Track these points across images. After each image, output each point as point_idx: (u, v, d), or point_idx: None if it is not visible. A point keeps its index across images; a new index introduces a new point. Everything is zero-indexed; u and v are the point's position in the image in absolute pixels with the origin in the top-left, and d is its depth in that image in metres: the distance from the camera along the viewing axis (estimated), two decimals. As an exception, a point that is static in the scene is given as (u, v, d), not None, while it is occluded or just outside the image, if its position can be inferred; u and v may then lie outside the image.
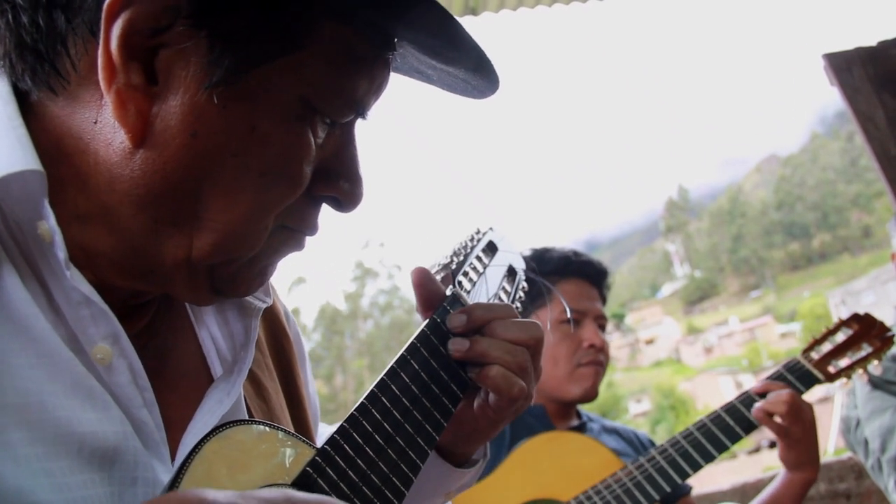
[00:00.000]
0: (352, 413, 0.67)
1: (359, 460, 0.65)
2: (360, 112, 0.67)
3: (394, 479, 0.66)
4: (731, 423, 1.74)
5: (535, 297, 1.99)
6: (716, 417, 1.76)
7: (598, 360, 2.01)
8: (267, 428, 0.63)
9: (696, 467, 1.71)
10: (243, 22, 0.57)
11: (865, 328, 1.82)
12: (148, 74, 0.57)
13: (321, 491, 0.62)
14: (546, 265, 2.04)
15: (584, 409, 2.16)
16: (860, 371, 1.80)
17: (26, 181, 0.56)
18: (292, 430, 0.76)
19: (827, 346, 1.82)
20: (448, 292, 0.81)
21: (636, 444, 2.08)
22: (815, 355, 1.81)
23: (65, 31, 0.58)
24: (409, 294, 0.81)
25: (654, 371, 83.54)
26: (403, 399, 0.71)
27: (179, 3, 0.56)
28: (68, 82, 0.59)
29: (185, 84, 0.57)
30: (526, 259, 1.04)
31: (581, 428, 2.04)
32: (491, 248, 0.96)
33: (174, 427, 0.66)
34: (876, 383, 1.98)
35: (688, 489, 1.97)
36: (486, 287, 0.89)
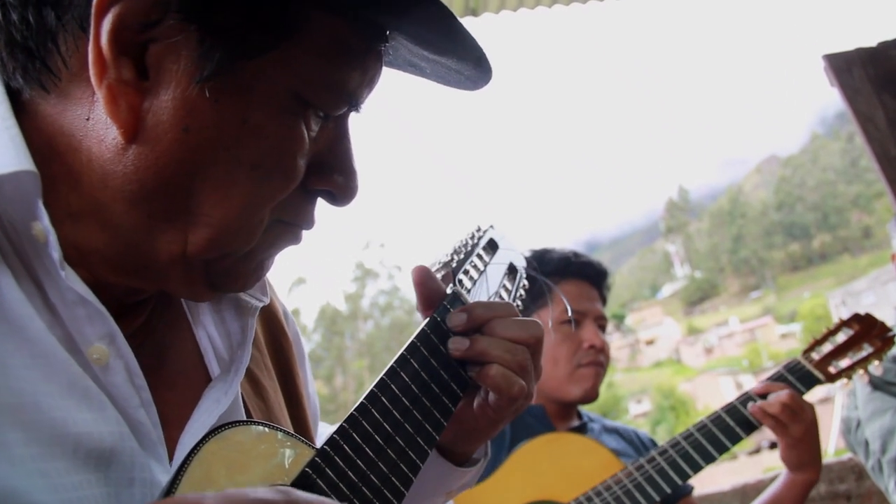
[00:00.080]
0: (351, 413, 0.67)
1: (358, 460, 0.65)
2: (354, 105, 0.66)
3: (393, 478, 0.66)
4: (732, 423, 1.74)
5: (536, 298, 1.99)
6: (716, 418, 1.76)
7: (599, 360, 2.01)
8: (266, 428, 0.63)
9: (697, 468, 1.70)
10: (234, 15, 0.57)
11: (866, 328, 1.81)
12: (139, 69, 0.57)
13: (320, 492, 0.61)
14: (546, 266, 2.04)
15: (584, 409, 2.16)
16: (861, 371, 1.80)
17: (20, 182, 0.56)
18: (291, 430, 0.75)
19: (827, 347, 1.82)
20: (448, 291, 0.81)
21: (637, 444, 2.08)
22: (815, 356, 1.81)
23: (55, 27, 0.57)
24: (410, 294, 0.81)
25: (654, 372, 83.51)
26: (403, 398, 0.70)
27: None
28: (60, 79, 0.59)
29: (176, 78, 0.57)
30: (526, 259, 1.03)
31: (582, 428, 2.03)
32: (492, 246, 0.95)
33: (172, 426, 0.66)
34: (876, 384, 1.98)
35: (689, 489, 1.97)
36: (486, 285, 0.88)
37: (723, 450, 1.73)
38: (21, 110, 0.61)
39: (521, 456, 1.83)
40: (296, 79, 0.60)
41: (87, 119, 0.59)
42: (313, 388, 0.93)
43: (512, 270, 0.96)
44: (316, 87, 0.61)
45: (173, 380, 0.71)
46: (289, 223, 0.67)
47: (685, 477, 1.70)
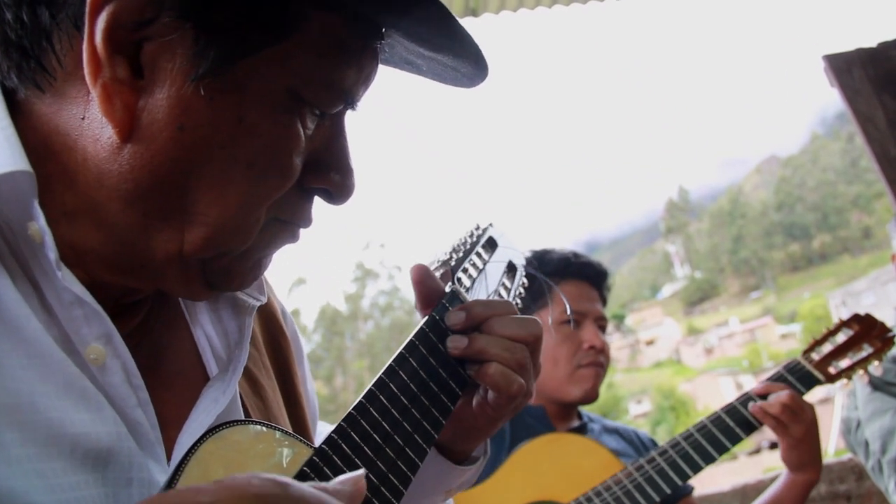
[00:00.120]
0: (350, 412, 0.67)
1: (357, 459, 0.64)
2: (350, 103, 0.66)
3: (392, 477, 0.66)
4: (732, 424, 1.74)
5: (536, 298, 1.99)
6: (716, 419, 1.76)
7: (599, 361, 2.00)
8: (264, 428, 0.63)
9: (697, 469, 1.70)
10: (229, 13, 0.56)
11: (866, 329, 1.82)
12: (134, 68, 0.57)
13: None
14: (546, 266, 2.04)
15: (584, 409, 2.16)
16: (861, 372, 1.80)
17: (16, 182, 0.56)
18: (290, 429, 0.75)
19: (827, 347, 1.82)
20: (447, 289, 0.80)
21: (637, 445, 2.07)
22: (815, 356, 1.81)
23: (49, 26, 0.57)
24: (410, 295, 0.81)
25: (654, 372, 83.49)
26: (402, 397, 0.70)
27: None
28: (55, 79, 0.59)
29: (171, 77, 0.57)
30: (526, 259, 1.03)
31: (582, 429, 2.03)
32: (491, 244, 0.95)
33: (170, 426, 0.66)
34: (876, 385, 1.98)
35: (689, 489, 1.96)
36: (485, 283, 0.88)
37: (723, 450, 1.73)
38: (16, 110, 0.60)
39: (521, 456, 1.83)
40: (291, 76, 0.60)
41: (83, 118, 0.58)
42: (312, 386, 0.93)
43: (511, 268, 0.96)
44: (312, 85, 0.61)
45: (171, 379, 0.70)
46: (286, 222, 0.67)
47: (685, 477, 1.70)
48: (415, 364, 0.73)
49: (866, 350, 1.80)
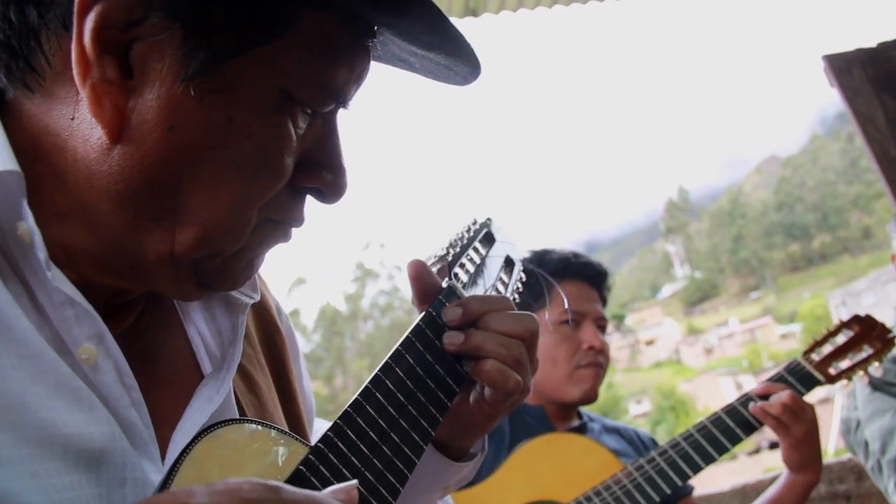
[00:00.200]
0: (346, 410, 0.66)
1: (353, 457, 0.64)
2: (341, 101, 0.66)
3: (388, 475, 0.66)
4: (732, 424, 1.74)
5: (536, 298, 1.99)
6: (716, 419, 1.76)
7: (598, 361, 2.00)
8: (259, 426, 0.62)
9: (697, 469, 1.71)
10: (218, 12, 0.56)
11: (866, 330, 1.82)
12: (123, 68, 0.56)
13: (314, 489, 0.61)
14: (545, 267, 2.03)
15: (584, 409, 2.15)
16: (861, 373, 1.80)
17: (4, 182, 0.56)
18: (285, 426, 0.75)
19: (828, 348, 1.82)
20: (444, 284, 0.80)
21: (637, 444, 2.07)
22: (815, 357, 1.81)
23: (37, 26, 0.57)
24: (409, 294, 0.80)
25: (654, 372, 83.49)
26: (398, 394, 0.70)
27: None
28: (44, 79, 0.59)
29: (160, 77, 0.56)
30: (525, 262, 1.03)
31: (581, 428, 2.03)
32: (488, 239, 0.94)
33: (165, 425, 0.65)
34: (876, 385, 1.98)
35: (689, 490, 1.96)
36: (483, 278, 0.87)
37: (723, 451, 1.73)
38: (5, 110, 0.60)
39: (520, 456, 1.82)
40: (282, 76, 0.60)
41: (72, 118, 0.58)
42: (308, 382, 0.92)
43: (508, 263, 0.95)
44: (303, 84, 0.61)
45: (166, 379, 0.70)
46: (278, 221, 0.67)
47: (685, 477, 1.70)
48: (411, 361, 0.72)
49: (866, 351, 1.80)
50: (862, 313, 1.87)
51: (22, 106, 0.60)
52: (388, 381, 0.70)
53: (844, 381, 1.80)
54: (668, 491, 1.68)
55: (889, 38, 3.16)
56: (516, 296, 0.93)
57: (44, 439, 0.53)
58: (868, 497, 2.88)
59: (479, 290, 0.85)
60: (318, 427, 0.93)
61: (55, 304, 0.59)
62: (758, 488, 3.00)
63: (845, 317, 1.85)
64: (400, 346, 0.73)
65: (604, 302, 2.11)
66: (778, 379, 1.80)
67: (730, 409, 1.76)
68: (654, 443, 2.11)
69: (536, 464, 1.81)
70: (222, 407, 0.69)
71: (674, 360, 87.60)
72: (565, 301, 2.01)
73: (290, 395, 0.83)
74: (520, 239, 1.01)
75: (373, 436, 0.66)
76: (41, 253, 0.56)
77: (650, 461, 1.72)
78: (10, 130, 0.59)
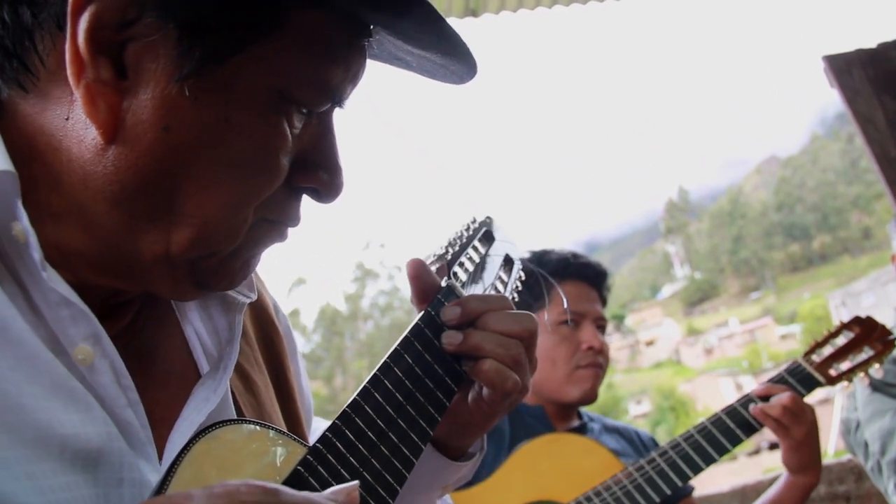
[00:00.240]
0: (344, 409, 0.66)
1: (351, 458, 0.64)
2: (337, 101, 0.66)
3: (387, 475, 0.65)
4: (732, 425, 1.74)
5: (536, 298, 1.99)
6: (716, 420, 1.76)
7: (597, 362, 2.00)
8: (257, 427, 0.62)
9: (697, 470, 1.70)
10: (212, 12, 0.56)
11: (866, 331, 1.81)
12: (117, 69, 0.56)
13: (312, 490, 0.60)
14: (545, 267, 2.03)
15: (585, 409, 2.15)
16: (861, 374, 1.80)
17: None
18: (283, 425, 0.74)
19: (828, 349, 1.82)
20: (443, 284, 0.79)
21: (637, 444, 2.07)
22: (816, 358, 1.81)
23: (31, 26, 0.57)
24: (409, 294, 0.80)
25: (654, 372, 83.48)
26: (397, 394, 0.70)
27: None
28: (38, 79, 0.58)
29: (155, 77, 0.56)
30: (525, 261, 1.02)
31: (582, 428, 2.03)
32: (487, 238, 0.94)
33: (162, 425, 0.65)
34: (876, 386, 1.98)
35: (689, 490, 1.96)
36: (482, 277, 0.87)
37: (723, 451, 1.72)
38: (0, 111, 0.60)
39: (520, 456, 1.82)
40: (277, 75, 0.59)
41: (67, 119, 0.58)
42: (306, 381, 0.92)
43: (508, 262, 0.95)
44: (298, 84, 0.61)
45: (162, 379, 0.70)
46: (274, 221, 0.67)
47: (685, 478, 1.70)
48: (410, 360, 0.72)
49: (867, 353, 1.80)
50: (862, 314, 1.86)
51: (16, 106, 0.60)
52: (386, 381, 0.70)
53: (845, 383, 1.80)
54: (669, 491, 1.68)
55: (889, 38, 3.16)
56: (515, 295, 0.92)
57: (40, 440, 0.53)
58: (868, 498, 2.88)
59: (478, 289, 0.84)
60: (317, 426, 0.93)
61: (51, 304, 0.59)
62: (757, 489, 3.00)
63: (845, 317, 1.85)
64: (398, 345, 0.73)
65: (603, 302, 2.11)
66: (778, 380, 1.79)
67: (730, 410, 1.76)
68: (655, 443, 2.10)
69: (536, 464, 1.81)
70: (220, 407, 0.69)
71: (674, 361, 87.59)
72: (565, 301, 2.00)
73: (288, 394, 0.83)
74: (519, 239, 1.01)
75: (371, 436, 0.66)
76: (36, 253, 0.56)
77: (650, 462, 1.72)
78: (5, 131, 0.58)
